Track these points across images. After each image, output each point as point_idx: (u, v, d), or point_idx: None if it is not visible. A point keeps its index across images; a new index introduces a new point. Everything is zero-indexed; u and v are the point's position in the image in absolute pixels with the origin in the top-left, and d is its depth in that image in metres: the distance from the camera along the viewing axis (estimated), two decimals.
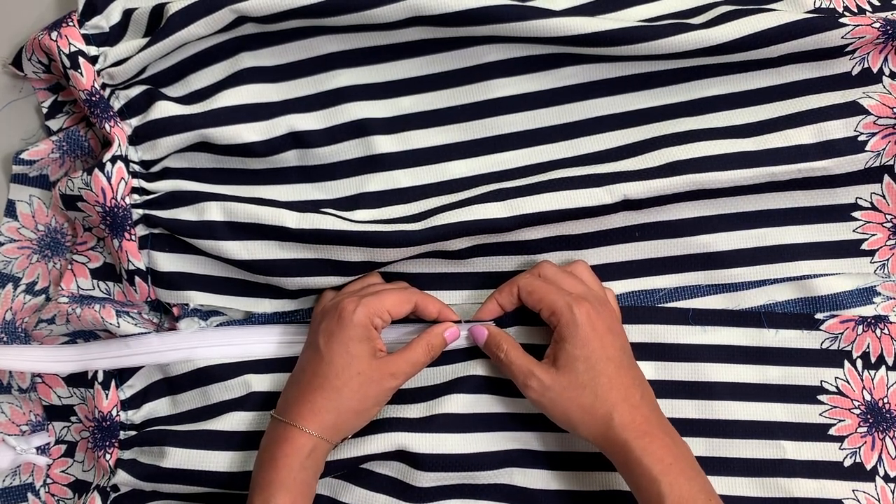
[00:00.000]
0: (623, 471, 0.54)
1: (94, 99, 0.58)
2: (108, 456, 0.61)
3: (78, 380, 0.62)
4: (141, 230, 0.60)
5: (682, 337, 0.62)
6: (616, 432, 0.54)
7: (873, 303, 0.62)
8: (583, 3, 0.61)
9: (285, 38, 0.60)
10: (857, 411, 0.62)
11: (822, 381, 0.62)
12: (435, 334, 0.58)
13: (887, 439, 0.61)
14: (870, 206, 0.62)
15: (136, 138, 0.59)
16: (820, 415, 0.62)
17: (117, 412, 0.62)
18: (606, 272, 0.62)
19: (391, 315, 0.57)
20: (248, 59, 0.60)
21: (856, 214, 0.62)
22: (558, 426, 0.60)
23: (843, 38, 0.58)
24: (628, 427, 0.54)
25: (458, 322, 0.60)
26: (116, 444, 0.61)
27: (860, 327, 0.62)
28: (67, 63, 0.58)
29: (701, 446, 0.61)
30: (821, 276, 0.62)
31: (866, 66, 0.60)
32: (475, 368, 0.61)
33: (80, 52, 0.58)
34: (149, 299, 0.61)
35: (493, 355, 0.58)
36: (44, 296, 0.63)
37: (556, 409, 0.55)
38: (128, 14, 0.60)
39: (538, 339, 0.60)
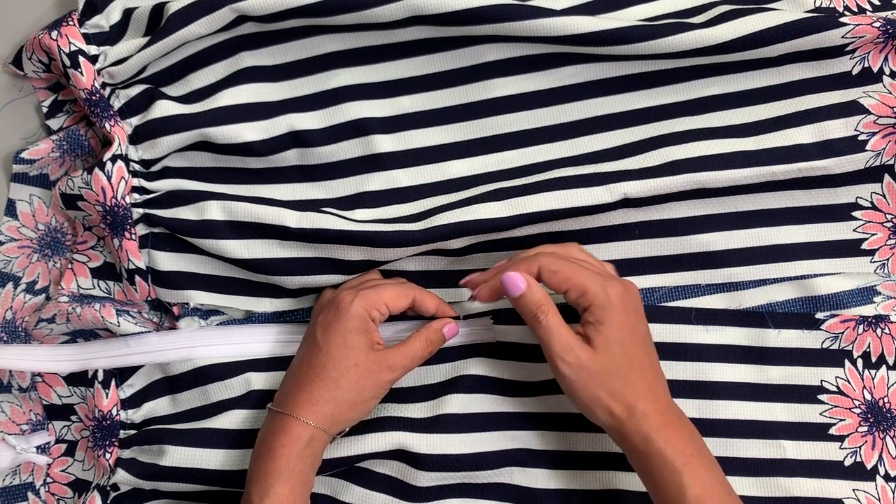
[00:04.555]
0: (639, 460, 0.53)
1: (94, 98, 0.58)
2: (108, 455, 0.61)
3: (78, 379, 0.62)
4: (141, 229, 0.60)
5: (683, 336, 0.62)
6: (637, 422, 0.52)
7: (874, 302, 0.62)
8: (583, 2, 0.61)
9: (285, 38, 0.60)
10: (858, 411, 0.62)
11: (822, 381, 0.62)
12: (434, 329, 0.58)
13: (888, 439, 0.61)
14: (870, 205, 0.62)
15: (137, 137, 0.59)
16: (820, 414, 0.62)
17: (117, 411, 0.62)
18: None
19: (389, 308, 0.57)
20: (248, 59, 0.60)
21: (856, 214, 0.62)
22: (558, 426, 0.61)
23: (843, 37, 0.58)
24: (650, 417, 0.52)
25: (457, 318, 0.60)
26: (116, 444, 0.61)
27: (861, 327, 0.62)
28: (67, 62, 0.58)
29: None
30: (821, 275, 0.62)
31: (866, 65, 0.60)
32: (471, 367, 0.61)
33: (81, 52, 0.58)
34: (149, 298, 0.62)
35: (530, 315, 0.54)
36: (44, 295, 0.63)
37: (584, 389, 0.53)
38: (128, 13, 0.60)
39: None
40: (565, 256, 0.56)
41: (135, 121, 0.59)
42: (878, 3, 0.61)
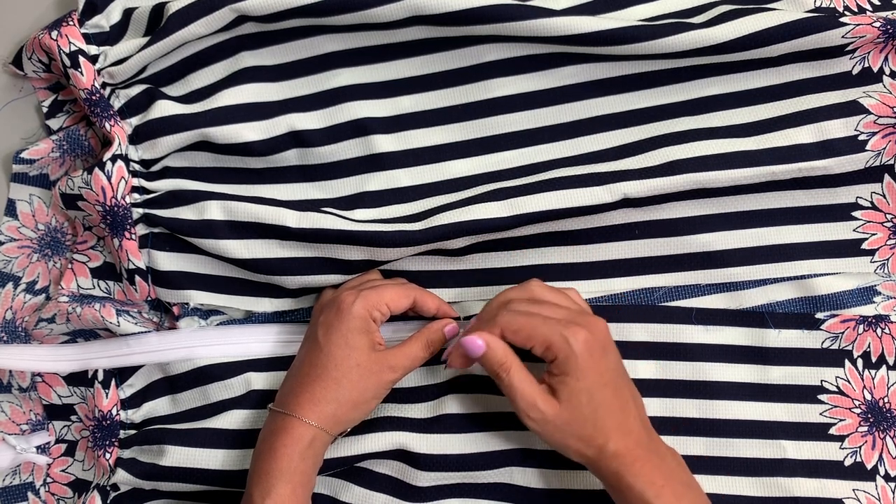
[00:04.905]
0: (613, 493, 0.54)
1: (94, 98, 0.58)
2: (107, 455, 0.61)
3: (78, 379, 0.62)
4: (141, 229, 0.60)
5: (685, 336, 0.62)
6: (608, 461, 0.53)
7: (874, 302, 0.62)
8: (583, 2, 0.61)
9: (285, 38, 0.60)
10: (858, 411, 0.62)
11: (822, 381, 0.62)
12: (434, 330, 0.58)
13: (888, 439, 0.61)
14: (870, 205, 0.62)
15: (137, 137, 0.59)
16: (820, 414, 0.62)
17: (117, 411, 0.62)
18: (605, 269, 0.62)
19: (390, 308, 0.57)
20: (248, 59, 0.60)
21: (856, 214, 0.62)
22: None
23: (843, 37, 0.58)
24: (620, 454, 0.53)
25: (457, 319, 0.60)
26: (116, 444, 0.61)
27: (861, 327, 0.62)
28: (67, 62, 0.58)
29: (701, 446, 0.61)
30: (821, 275, 0.62)
31: (867, 65, 0.60)
32: (473, 367, 0.60)
33: (81, 51, 0.58)
34: (149, 298, 0.62)
35: (493, 374, 0.55)
36: (44, 295, 0.63)
37: (552, 439, 0.54)
38: (128, 13, 0.60)
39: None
40: (527, 306, 0.55)
41: (135, 121, 0.59)
42: (878, 2, 0.61)
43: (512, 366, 0.54)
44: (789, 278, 0.62)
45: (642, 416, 0.56)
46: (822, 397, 0.62)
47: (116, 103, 0.59)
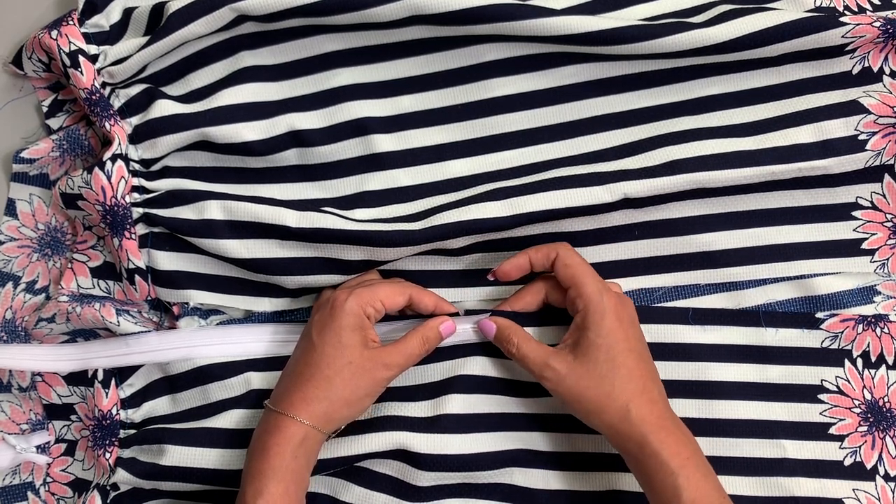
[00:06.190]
0: (635, 463, 0.54)
1: (94, 97, 0.58)
2: (107, 454, 0.61)
3: (78, 378, 0.62)
4: (141, 229, 0.60)
5: (682, 336, 0.62)
6: (632, 425, 0.53)
7: (873, 302, 0.62)
8: (582, 2, 0.61)
9: (285, 37, 0.60)
10: (858, 410, 0.62)
11: (822, 381, 0.62)
12: (430, 327, 0.58)
13: (887, 438, 0.61)
14: (870, 205, 0.62)
15: (136, 137, 0.59)
16: (820, 414, 0.62)
17: (117, 411, 0.62)
18: (605, 270, 0.62)
19: (385, 305, 0.57)
20: (247, 58, 0.60)
21: (856, 213, 0.62)
22: (558, 426, 0.61)
23: (843, 37, 0.58)
24: (646, 420, 0.53)
25: (455, 315, 0.60)
26: (116, 443, 0.61)
27: (860, 326, 0.62)
28: (67, 62, 0.58)
29: (702, 445, 0.60)
30: (821, 275, 0.62)
31: (866, 65, 0.60)
32: (472, 366, 0.61)
33: (81, 51, 0.58)
34: (149, 298, 0.62)
35: (505, 349, 0.58)
36: (44, 294, 0.63)
37: (571, 396, 0.55)
38: (128, 13, 0.60)
39: (555, 339, 0.60)
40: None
41: (135, 120, 0.59)
42: (878, 2, 0.61)
43: (520, 337, 0.57)
44: (789, 278, 0.62)
45: (665, 396, 0.56)
46: (822, 397, 0.62)
47: (116, 103, 0.59)
